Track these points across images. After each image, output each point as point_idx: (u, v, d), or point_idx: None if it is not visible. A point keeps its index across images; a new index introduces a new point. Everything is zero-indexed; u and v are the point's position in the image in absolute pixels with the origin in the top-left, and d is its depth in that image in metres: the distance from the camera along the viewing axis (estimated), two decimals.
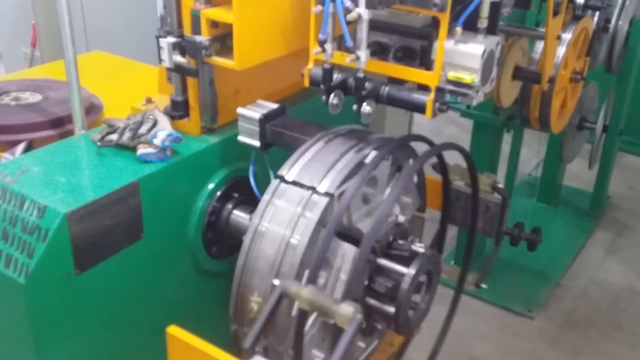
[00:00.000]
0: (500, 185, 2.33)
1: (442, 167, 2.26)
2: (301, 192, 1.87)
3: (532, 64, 3.03)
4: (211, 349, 1.70)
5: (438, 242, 2.45)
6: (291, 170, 1.91)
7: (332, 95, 1.93)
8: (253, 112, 2.08)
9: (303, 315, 1.74)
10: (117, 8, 4.61)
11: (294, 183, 1.89)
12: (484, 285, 2.55)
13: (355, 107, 1.93)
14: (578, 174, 4.97)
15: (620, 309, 3.92)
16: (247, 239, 1.87)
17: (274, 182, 1.91)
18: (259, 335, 1.68)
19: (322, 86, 1.94)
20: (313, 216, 1.81)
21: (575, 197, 4.94)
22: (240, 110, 2.09)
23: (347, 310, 1.61)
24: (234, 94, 2.22)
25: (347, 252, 1.91)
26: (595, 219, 4.74)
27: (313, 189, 1.85)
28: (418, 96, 1.90)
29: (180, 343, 1.74)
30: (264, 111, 2.08)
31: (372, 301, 1.95)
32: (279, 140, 2.08)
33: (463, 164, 2.24)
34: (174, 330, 1.76)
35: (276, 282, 1.75)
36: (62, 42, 2.07)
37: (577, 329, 3.74)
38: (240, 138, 2.11)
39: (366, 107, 1.91)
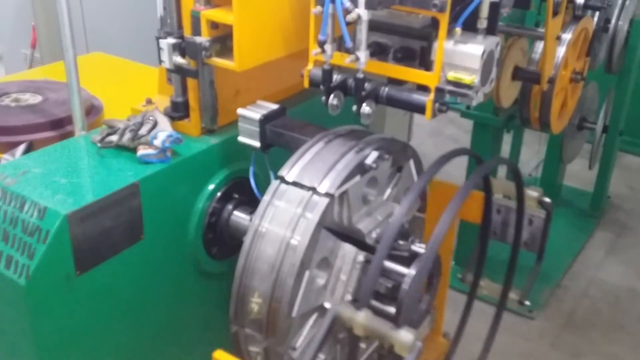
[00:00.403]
0: (547, 200, 2.27)
1: (485, 182, 2.22)
2: (301, 192, 1.87)
3: (532, 64, 3.03)
4: None
5: (478, 258, 2.39)
6: (291, 171, 1.91)
7: (331, 96, 1.93)
8: (253, 112, 2.08)
9: (355, 340, 1.70)
10: (117, 9, 4.61)
11: (294, 184, 1.89)
12: (527, 302, 2.50)
13: (355, 107, 1.93)
14: (578, 174, 4.97)
15: (620, 309, 3.92)
16: (247, 240, 1.87)
17: (274, 182, 1.91)
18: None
19: (321, 87, 1.94)
20: (313, 217, 1.81)
21: (576, 197, 4.94)
22: (240, 110, 2.09)
23: (407, 337, 1.55)
24: (234, 94, 2.22)
25: (347, 253, 1.91)
26: (595, 219, 4.74)
27: (313, 190, 1.85)
28: (418, 97, 1.89)
29: None
30: (264, 112, 2.08)
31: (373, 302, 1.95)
32: (279, 141, 2.08)
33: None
34: (220, 355, 1.74)
35: (327, 305, 1.72)
36: (62, 43, 2.07)
37: (577, 329, 3.74)
38: (241, 139, 2.11)
39: (366, 108, 1.91)
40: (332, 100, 1.93)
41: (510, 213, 2.32)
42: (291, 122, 2.12)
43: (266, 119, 2.07)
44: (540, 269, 2.41)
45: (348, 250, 1.89)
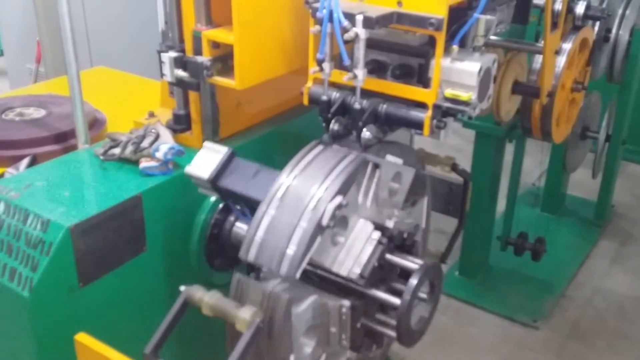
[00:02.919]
0: (460, 167, 2.40)
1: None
2: (297, 201, 1.86)
3: (532, 74, 3.04)
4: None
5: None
6: (287, 180, 1.91)
7: (332, 122, 1.94)
8: (201, 170, 1.92)
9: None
10: (120, 24, 4.65)
11: (290, 192, 1.89)
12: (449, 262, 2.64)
13: (354, 134, 1.94)
14: (582, 183, 4.96)
15: (626, 318, 3.90)
16: (243, 250, 1.87)
17: (271, 191, 1.91)
18: (160, 341, 1.70)
19: (320, 118, 1.95)
20: (308, 226, 1.81)
21: (580, 206, 4.92)
22: (188, 170, 1.95)
23: (246, 314, 1.64)
24: (235, 107, 2.23)
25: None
26: (599, 228, 4.72)
27: (310, 198, 1.85)
28: (416, 113, 1.91)
29: (88, 351, 1.74)
30: (213, 166, 1.91)
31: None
32: (236, 202, 1.97)
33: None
34: (82, 337, 1.75)
35: (182, 288, 1.76)
36: (64, 57, 2.10)
37: (582, 339, 3.72)
38: (201, 191, 2.00)
39: (366, 133, 1.93)
40: (334, 126, 1.94)
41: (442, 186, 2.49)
42: (245, 172, 1.96)
43: (217, 176, 1.91)
44: (460, 234, 2.56)
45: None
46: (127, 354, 2.01)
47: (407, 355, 3.41)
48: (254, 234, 1.83)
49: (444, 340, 3.57)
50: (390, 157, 1.98)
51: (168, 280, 2.09)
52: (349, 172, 1.88)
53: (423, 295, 1.94)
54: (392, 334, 1.95)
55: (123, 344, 2.00)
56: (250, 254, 1.81)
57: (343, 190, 1.84)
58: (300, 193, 1.87)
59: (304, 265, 1.77)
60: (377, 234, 1.89)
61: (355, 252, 1.86)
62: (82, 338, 1.72)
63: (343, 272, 1.85)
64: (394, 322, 1.93)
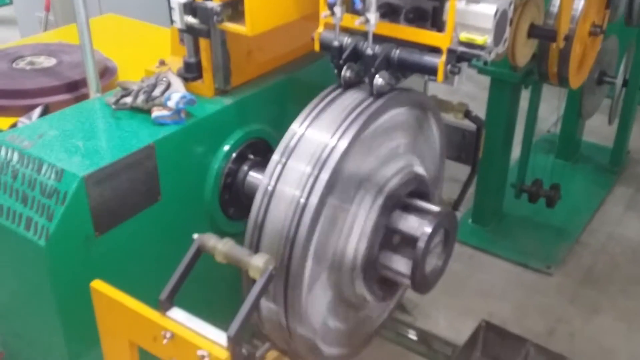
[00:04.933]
0: (474, 113, 2.37)
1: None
2: (312, 149, 1.85)
3: (549, 17, 2.97)
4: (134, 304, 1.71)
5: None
6: (301, 126, 1.90)
7: (344, 69, 1.91)
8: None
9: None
10: None
11: (305, 140, 1.88)
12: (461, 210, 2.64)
13: (367, 80, 1.91)
14: (597, 129, 4.91)
15: (639, 264, 3.90)
16: (257, 200, 1.87)
17: (284, 140, 1.90)
18: (174, 288, 1.71)
19: (331, 64, 1.91)
20: (323, 175, 1.80)
21: (595, 153, 4.88)
22: None
23: (259, 262, 1.64)
24: (246, 54, 2.20)
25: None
26: (614, 174, 4.69)
27: (324, 146, 1.84)
28: (429, 59, 1.87)
29: (105, 298, 1.75)
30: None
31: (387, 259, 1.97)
32: None
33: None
34: (98, 285, 1.76)
35: (195, 236, 1.77)
36: (74, 5, 2.07)
37: (596, 284, 3.74)
38: None
39: (379, 80, 1.89)
40: (345, 72, 1.91)
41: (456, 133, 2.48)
42: None
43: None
44: (472, 181, 2.55)
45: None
46: (142, 301, 2.04)
47: (420, 302, 3.45)
48: (308, 114, 1.89)
49: (456, 287, 3.60)
50: None
51: (183, 229, 2.09)
52: (362, 120, 1.87)
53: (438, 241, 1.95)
54: (407, 281, 1.97)
55: (138, 292, 2.03)
56: (301, 130, 1.87)
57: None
58: (313, 142, 1.87)
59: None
60: None
61: None
62: (98, 285, 1.74)
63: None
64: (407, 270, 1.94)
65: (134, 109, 2.04)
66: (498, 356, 2.92)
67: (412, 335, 3.24)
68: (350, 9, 1.86)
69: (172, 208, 2.03)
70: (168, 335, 1.61)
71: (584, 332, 3.41)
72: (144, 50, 2.85)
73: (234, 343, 1.53)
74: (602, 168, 4.74)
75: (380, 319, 2.35)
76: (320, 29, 1.96)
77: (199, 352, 1.55)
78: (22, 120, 2.22)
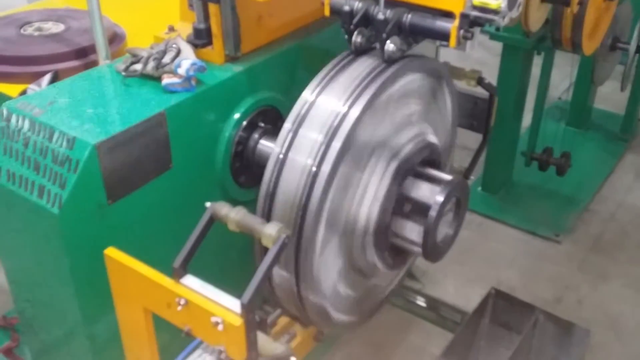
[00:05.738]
0: (487, 80, 2.34)
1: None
2: (324, 118, 1.84)
3: None
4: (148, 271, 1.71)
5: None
6: (313, 94, 1.88)
7: (355, 34, 1.89)
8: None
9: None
10: None
11: (317, 107, 1.86)
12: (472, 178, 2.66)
13: (378, 46, 1.88)
14: (609, 96, 4.86)
15: None
16: (269, 168, 1.87)
17: (296, 108, 1.88)
18: (188, 256, 1.71)
19: (342, 29, 1.89)
20: (335, 144, 1.79)
21: (606, 120, 4.84)
22: None
23: (272, 230, 1.64)
24: (256, 20, 2.18)
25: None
26: (625, 142, 4.66)
27: (336, 114, 1.83)
28: (442, 23, 1.84)
29: (118, 265, 1.76)
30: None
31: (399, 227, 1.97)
32: None
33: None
34: (112, 252, 1.76)
35: (207, 204, 1.77)
36: None
37: (605, 252, 3.74)
38: None
39: (390, 45, 1.87)
40: (356, 38, 1.89)
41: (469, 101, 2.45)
42: None
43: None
44: (484, 149, 2.54)
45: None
46: (155, 269, 2.06)
47: (428, 269, 3.46)
48: (320, 82, 1.88)
49: (465, 254, 3.61)
50: None
51: (194, 197, 2.09)
52: (375, 88, 1.86)
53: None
54: (418, 249, 1.97)
55: (151, 260, 2.04)
56: (312, 97, 1.87)
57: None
58: (325, 110, 1.85)
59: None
60: None
61: None
62: (112, 252, 1.75)
63: None
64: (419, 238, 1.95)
65: (144, 76, 2.02)
66: (507, 323, 2.94)
67: (421, 302, 3.26)
68: None
69: (183, 176, 2.03)
70: (182, 302, 1.62)
71: (592, 299, 3.42)
72: (152, 16, 2.82)
73: (248, 310, 1.54)
74: (613, 136, 4.71)
75: (389, 288, 2.36)
76: None
77: (213, 319, 1.56)
78: (32, 87, 2.21)
